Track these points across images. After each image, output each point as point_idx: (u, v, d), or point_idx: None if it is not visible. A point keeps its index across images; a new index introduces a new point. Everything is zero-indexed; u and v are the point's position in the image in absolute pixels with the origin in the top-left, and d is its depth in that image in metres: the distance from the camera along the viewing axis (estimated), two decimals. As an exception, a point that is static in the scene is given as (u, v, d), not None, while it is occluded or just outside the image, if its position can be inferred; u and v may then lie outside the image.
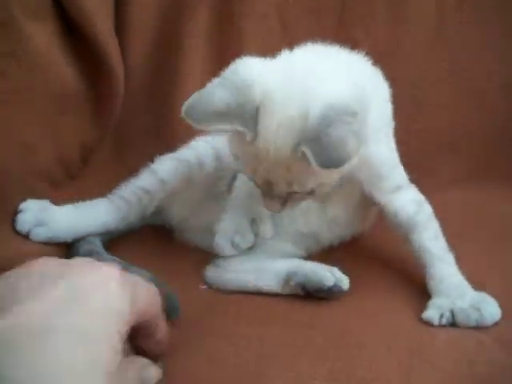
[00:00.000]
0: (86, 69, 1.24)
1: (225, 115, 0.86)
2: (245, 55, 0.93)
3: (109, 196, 1.20)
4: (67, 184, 1.25)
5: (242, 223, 1.09)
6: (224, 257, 1.14)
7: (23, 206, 1.08)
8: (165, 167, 1.21)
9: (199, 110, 0.87)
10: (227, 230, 1.09)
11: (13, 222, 1.07)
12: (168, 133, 1.46)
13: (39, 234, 1.08)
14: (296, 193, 0.94)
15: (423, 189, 1.13)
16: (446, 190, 1.49)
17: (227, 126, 0.87)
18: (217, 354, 0.89)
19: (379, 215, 1.19)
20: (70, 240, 1.12)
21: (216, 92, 0.89)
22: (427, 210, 1.09)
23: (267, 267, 1.10)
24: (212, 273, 1.14)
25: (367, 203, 1.15)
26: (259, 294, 1.08)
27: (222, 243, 1.09)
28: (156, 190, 1.19)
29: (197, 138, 1.25)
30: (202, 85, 0.86)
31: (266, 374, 0.84)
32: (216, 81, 0.92)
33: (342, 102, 0.85)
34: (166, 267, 1.10)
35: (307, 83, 0.88)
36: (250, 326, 0.96)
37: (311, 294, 1.05)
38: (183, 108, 0.88)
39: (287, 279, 1.07)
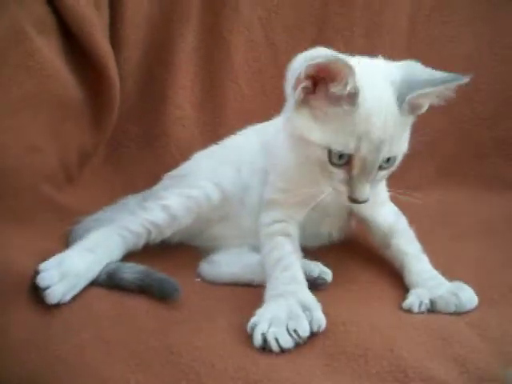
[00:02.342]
0: (86, 79, 1.32)
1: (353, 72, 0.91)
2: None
3: (117, 229, 1.17)
4: (67, 187, 1.31)
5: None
6: (217, 252, 1.24)
7: (42, 266, 1.02)
8: (175, 203, 1.21)
9: None
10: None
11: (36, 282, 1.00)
12: (160, 139, 1.55)
13: (67, 284, 1.02)
14: (383, 168, 0.99)
15: (396, 189, 1.21)
16: (417, 191, 1.57)
17: (352, 83, 0.91)
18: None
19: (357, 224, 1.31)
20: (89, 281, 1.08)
21: None
22: (404, 219, 1.23)
23: (257, 261, 1.17)
24: (206, 267, 1.21)
25: (350, 218, 1.28)
26: (250, 285, 1.15)
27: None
28: (166, 225, 1.20)
29: (200, 176, 1.26)
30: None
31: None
32: None
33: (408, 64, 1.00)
34: (163, 263, 1.15)
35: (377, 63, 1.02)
36: (243, 311, 1.01)
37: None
38: None
39: (276, 272, 1.15)
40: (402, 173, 1.26)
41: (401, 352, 0.87)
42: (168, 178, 1.36)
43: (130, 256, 1.17)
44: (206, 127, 1.63)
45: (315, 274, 1.13)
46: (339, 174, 0.99)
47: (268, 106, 1.59)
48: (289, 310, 0.93)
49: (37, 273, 1.01)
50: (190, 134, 1.60)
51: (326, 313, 0.96)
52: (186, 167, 1.36)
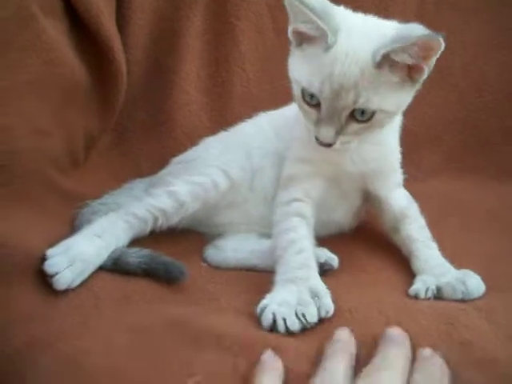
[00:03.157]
0: (93, 63, 1.31)
1: (317, 12, 0.95)
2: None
3: (124, 216, 1.16)
4: (72, 172, 1.31)
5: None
6: (222, 237, 1.25)
7: (49, 252, 1.02)
8: (183, 190, 1.20)
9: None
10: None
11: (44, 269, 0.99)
12: (166, 124, 1.55)
13: (75, 270, 1.01)
14: (357, 120, 1.00)
15: (405, 179, 1.26)
16: (425, 180, 1.61)
17: (315, 23, 0.95)
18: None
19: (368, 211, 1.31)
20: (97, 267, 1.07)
21: None
22: (416, 206, 1.23)
23: (262, 246, 1.18)
24: (211, 252, 1.22)
25: (362, 204, 1.27)
26: (255, 270, 1.16)
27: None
28: (173, 212, 1.19)
29: (208, 163, 1.26)
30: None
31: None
32: None
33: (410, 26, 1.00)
34: (169, 248, 1.15)
35: (377, 21, 1.05)
36: (249, 294, 1.02)
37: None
38: None
39: (281, 257, 1.16)
40: (411, 162, 1.28)
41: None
42: (175, 163, 1.36)
43: (135, 242, 1.16)
44: (213, 113, 1.62)
45: (322, 259, 1.13)
46: (311, 113, 1.03)
47: (275, 93, 1.61)
48: (299, 297, 0.94)
49: (44, 259, 1.00)
50: (196, 119, 1.59)
51: (332, 299, 0.95)
52: (193, 153, 1.35)
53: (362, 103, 0.97)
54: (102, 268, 1.07)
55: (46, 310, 0.94)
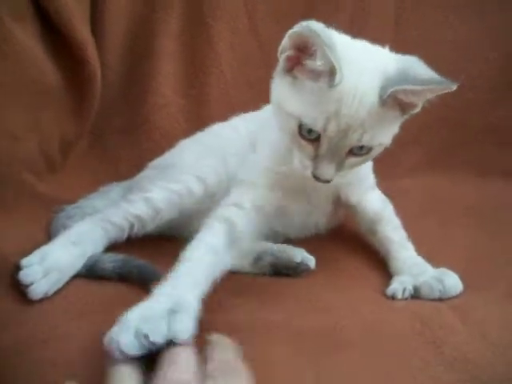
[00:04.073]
0: (66, 66, 1.30)
1: (333, 50, 0.88)
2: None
3: (100, 222, 1.14)
4: (49, 176, 1.30)
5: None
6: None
7: (24, 261, 0.99)
8: (159, 197, 1.19)
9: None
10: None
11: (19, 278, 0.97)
12: (143, 127, 1.55)
13: (50, 280, 0.99)
14: (355, 154, 0.97)
15: (386, 176, 1.25)
16: (405, 177, 1.63)
17: (327, 60, 0.88)
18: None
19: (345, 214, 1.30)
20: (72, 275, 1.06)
21: None
22: (390, 207, 1.23)
23: (240, 249, 1.14)
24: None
25: (337, 208, 1.26)
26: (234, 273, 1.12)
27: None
28: (149, 219, 1.19)
29: (183, 169, 1.25)
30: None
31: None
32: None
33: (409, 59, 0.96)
34: (144, 252, 1.13)
35: (375, 50, 0.98)
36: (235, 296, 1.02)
37: (279, 273, 1.13)
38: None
39: (258, 258, 1.15)
40: (392, 160, 1.28)
41: (378, 339, 0.88)
42: (152, 168, 1.34)
43: (111, 247, 1.16)
44: (191, 115, 1.62)
45: (298, 259, 1.13)
46: (307, 148, 0.97)
47: (252, 94, 1.61)
48: (149, 311, 0.80)
49: (19, 268, 0.98)
50: (174, 121, 1.59)
51: (307, 299, 0.96)
52: (169, 157, 1.34)
53: (366, 141, 0.94)
54: (76, 275, 1.06)
55: (18, 316, 0.93)
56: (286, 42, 0.93)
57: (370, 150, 0.97)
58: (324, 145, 0.94)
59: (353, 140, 0.93)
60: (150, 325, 0.76)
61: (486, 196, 1.52)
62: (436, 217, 1.40)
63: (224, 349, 0.78)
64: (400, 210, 1.23)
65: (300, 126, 0.95)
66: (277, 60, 0.97)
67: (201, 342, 0.78)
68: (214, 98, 1.63)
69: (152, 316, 0.78)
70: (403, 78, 0.90)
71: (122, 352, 0.74)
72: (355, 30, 1.61)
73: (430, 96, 0.93)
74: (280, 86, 0.98)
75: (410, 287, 1.05)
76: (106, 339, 0.76)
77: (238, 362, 0.75)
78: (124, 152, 1.55)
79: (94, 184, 1.36)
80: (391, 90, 0.89)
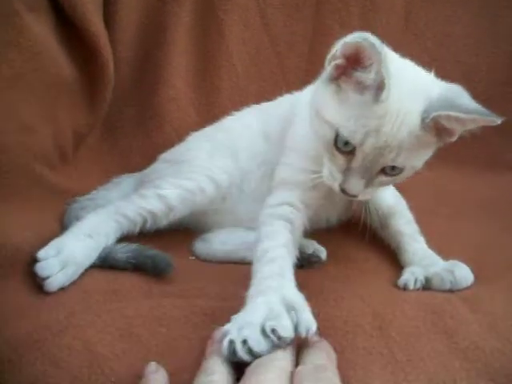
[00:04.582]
0: (80, 58, 1.31)
1: (387, 66, 0.88)
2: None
3: (114, 215, 1.16)
4: (61, 167, 1.31)
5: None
6: (211, 231, 1.26)
7: (41, 254, 1.01)
8: (173, 195, 1.20)
9: None
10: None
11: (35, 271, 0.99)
12: (154, 119, 1.56)
13: (67, 273, 1.01)
14: (386, 173, 0.97)
15: None
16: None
17: (380, 75, 0.88)
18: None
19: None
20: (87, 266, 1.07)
21: None
22: (403, 202, 1.25)
23: (250, 238, 1.14)
24: (199, 245, 1.23)
25: (351, 202, 1.24)
26: (243, 263, 1.14)
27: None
28: (162, 215, 1.20)
29: (195, 167, 1.26)
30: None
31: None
32: None
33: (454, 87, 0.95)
34: (157, 242, 1.15)
35: (422, 73, 0.99)
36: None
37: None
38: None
39: (270, 249, 1.16)
40: None
41: (389, 329, 0.88)
42: (163, 161, 1.36)
43: (123, 238, 1.17)
44: (201, 107, 1.63)
45: (309, 250, 1.14)
46: (340, 159, 0.97)
47: (263, 86, 1.62)
48: (268, 309, 0.79)
49: (36, 260, 0.99)
50: (184, 114, 1.60)
51: (318, 290, 0.95)
52: (181, 152, 1.35)
53: (400, 162, 0.94)
54: (91, 266, 1.07)
55: (34, 305, 0.94)
56: (338, 50, 0.91)
57: (401, 171, 0.97)
58: (358, 159, 0.94)
59: (387, 159, 0.93)
60: (275, 321, 0.76)
61: (497, 189, 1.52)
62: (447, 210, 1.41)
63: (319, 352, 0.78)
64: (411, 204, 1.24)
65: (336, 137, 0.95)
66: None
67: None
68: (225, 91, 1.63)
69: (272, 314, 0.78)
70: (449, 104, 0.90)
71: (249, 350, 0.73)
72: (365, 23, 1.65)
73: (470, 126, 0.93)
74: (323, 93, 0.97)
75: (421, 278, 1.05)
76: (219, 335, 0.77)
77: (330, 368, 0.75)
78: (135, 144, 1.56)
79: (105, 175, 1.38)
80: (435, 114, 0.89)
